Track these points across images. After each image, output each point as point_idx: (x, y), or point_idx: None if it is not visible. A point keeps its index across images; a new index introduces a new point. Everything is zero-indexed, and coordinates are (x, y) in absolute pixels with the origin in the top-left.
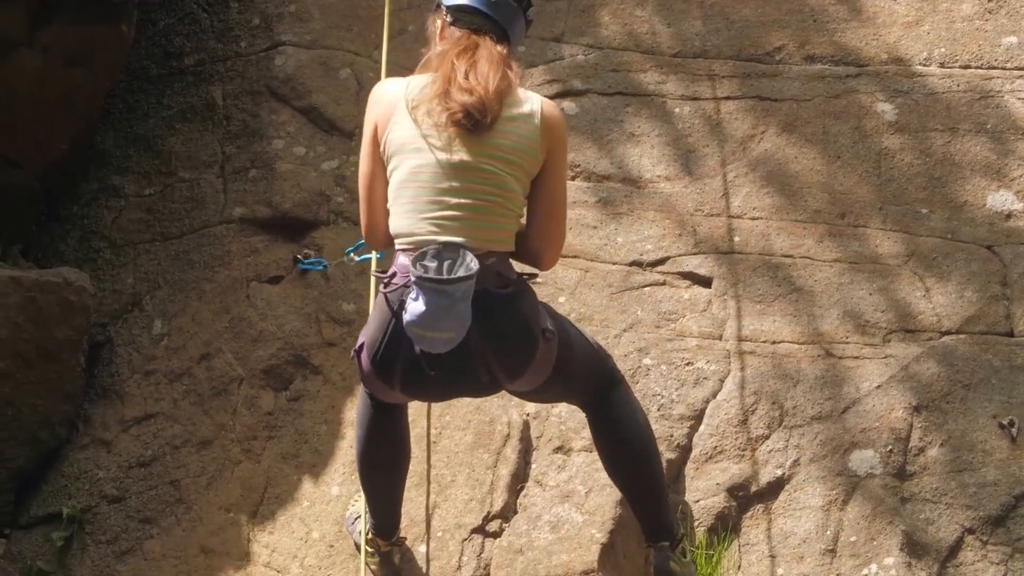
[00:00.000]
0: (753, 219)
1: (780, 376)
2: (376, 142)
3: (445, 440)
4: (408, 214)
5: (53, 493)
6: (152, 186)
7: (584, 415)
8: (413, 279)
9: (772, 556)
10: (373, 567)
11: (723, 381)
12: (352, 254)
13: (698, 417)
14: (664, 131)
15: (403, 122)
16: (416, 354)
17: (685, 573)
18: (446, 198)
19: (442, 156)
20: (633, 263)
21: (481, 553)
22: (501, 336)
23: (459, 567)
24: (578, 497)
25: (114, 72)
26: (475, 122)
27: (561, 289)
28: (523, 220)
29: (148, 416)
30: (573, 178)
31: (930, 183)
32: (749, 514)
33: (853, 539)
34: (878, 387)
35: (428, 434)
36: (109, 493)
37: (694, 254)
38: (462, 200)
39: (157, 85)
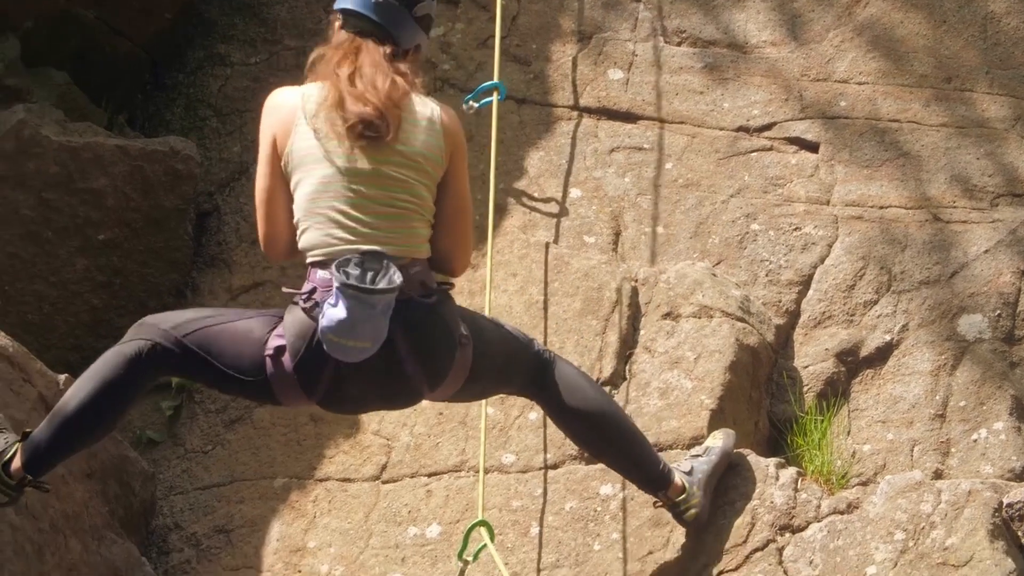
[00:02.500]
0: (859, 84)
1: (888, 241)
2: (276, 154)
3: (553, 307)
4: (322, 225)
5: None
6: (258, 54)
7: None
8: (336, 284)
9: (882, 421)
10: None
11: (831, 246)
12: (471, 101)
13: (806, 283)
14: None
15: (304, 133)
16: (343, 367)
17: (697, 505)
18: (362, 205)
19: (349, 165)
20: (740, 128)
21: None
22: (425, 345)
23: None
24: (687, 363)
25: None
26: (376, 131)
27: (668, 155)
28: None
29: (256, 284)
30: (679, 44)
31: None
32: (858, 379)
33: (962, 404)
34: (986, 251)
35: (545, 301)
36: None
37: (801, 119)
38: (378, 208)
39: None
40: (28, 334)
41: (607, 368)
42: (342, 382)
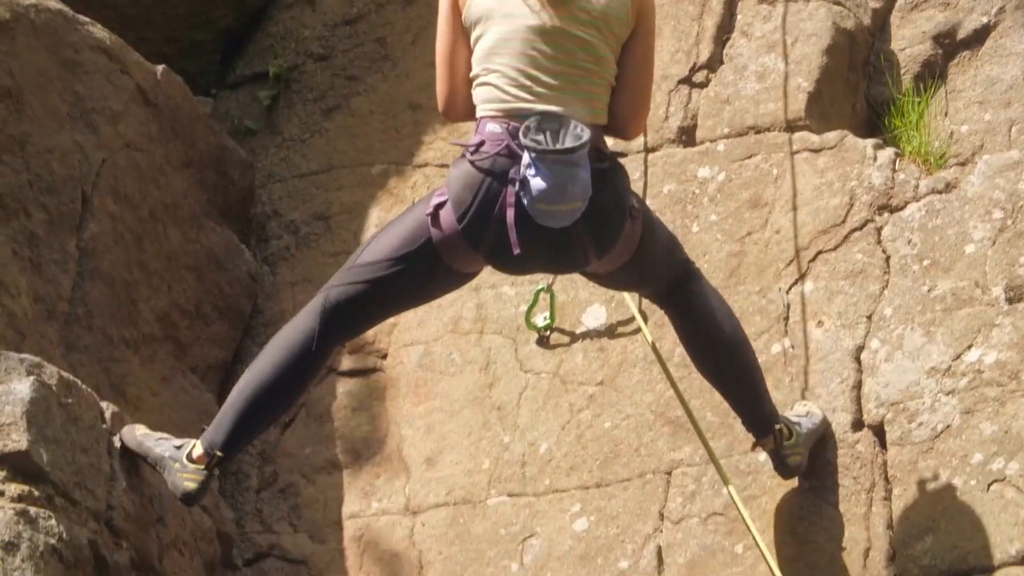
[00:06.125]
0: None
1: None
2: (456, 8)
3: None
4: (498, 80)
5: (259, 52)
6: None
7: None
8: (532, 155)
9: (979, 102)
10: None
11: None
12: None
13: None
14: None
15: None
16: (509, 222)
17: (801, 455)
18: (541, 64)
19: (534, 22)
20: None
21: (688, 103)
22: (597, 211)
23: (667, 117)
24: (784, 47)
25: None
26: None
27: None
28: None
29: None
30: None
31: None
32: (955, 61)
33: None
34: None
35: None
36: (315, 51)
37: None
38: (557, 68)
39: None
40: (125, 27)
41: (704, 53)
42: (506, 238)
